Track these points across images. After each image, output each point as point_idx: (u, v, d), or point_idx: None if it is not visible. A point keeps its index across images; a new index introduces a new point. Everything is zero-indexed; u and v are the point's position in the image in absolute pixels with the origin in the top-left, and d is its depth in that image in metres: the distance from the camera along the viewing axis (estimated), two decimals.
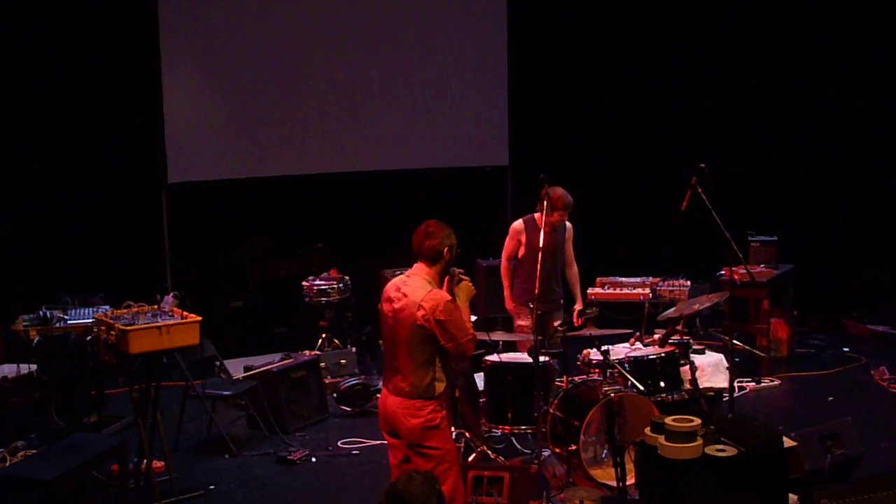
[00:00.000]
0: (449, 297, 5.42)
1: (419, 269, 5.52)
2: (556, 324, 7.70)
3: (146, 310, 6.77)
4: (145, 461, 6.87)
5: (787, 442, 5.82)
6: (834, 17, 11.42)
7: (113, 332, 6.54)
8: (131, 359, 6.67)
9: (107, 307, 7.77)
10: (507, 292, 8.13)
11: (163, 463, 7.10)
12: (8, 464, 7.37)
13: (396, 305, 5.47)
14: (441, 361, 5.45)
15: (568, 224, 8.11)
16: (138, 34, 10.14)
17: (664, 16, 11.68)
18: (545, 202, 7.15)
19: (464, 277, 5.65)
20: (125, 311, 6.78)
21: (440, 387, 5.47)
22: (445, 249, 5.48)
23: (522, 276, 7.94)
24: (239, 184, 10.75)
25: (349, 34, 10.93)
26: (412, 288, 5.45)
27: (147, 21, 10.08)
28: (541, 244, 7.01)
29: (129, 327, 6.47)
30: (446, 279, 5.60)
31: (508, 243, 8.09)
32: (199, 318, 6.74)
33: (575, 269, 8.30)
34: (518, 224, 8.04)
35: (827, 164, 11.62)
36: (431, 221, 5.56)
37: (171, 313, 6.76)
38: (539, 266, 6.90)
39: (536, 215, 7.85)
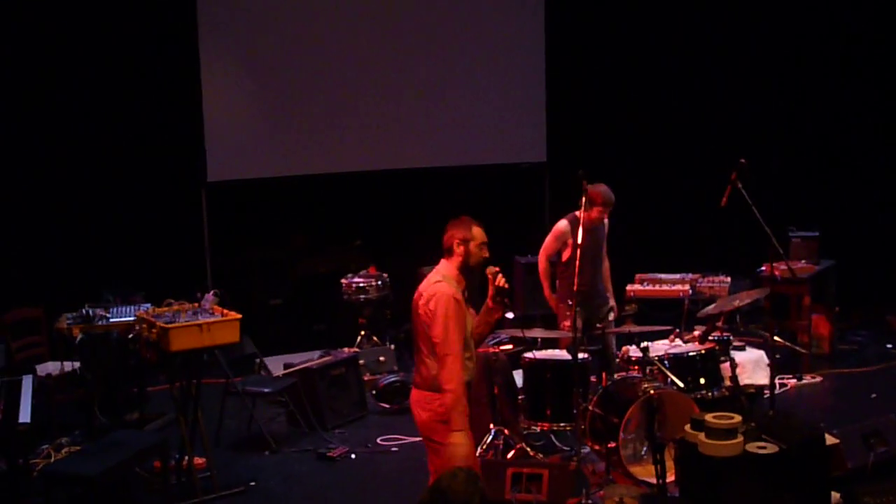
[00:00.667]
0: (451, 292, 5.34)
1: (441, 264, 5.56)
2: (600, 326, 7.68)
3: (187, 308, 6.83)
4: (186, 458, 6.94)
5: (830, 439, 5.78)
6: (876, 6, 11.29)
7: (154, 330, 6.60)
8: (172, 356, 6.73)
9: (148, 305, 7.83)
10: (547, 292, 8.08)
11: (204, 459, 7.16)
12: (53, 460, 7.47)
13: (415, 297, 5.51)
14: None
15: (605, 220, 8.07)
16: (178, 34, 10.22)
17: (703, 9, 11.60)
18: (584, 198, 7.11)
19: (494, 274, 5.54)
20: (166, 308, 6.84)
21: None
22: (455, 243, 5.46)
23: (570, 277, 7.64)
24: (278, 182, 10.79)
25: (385, 31, 10.95)
26: (427, 281, 5.49)
27: (186, 20, 10.15)
28: (579, 241, 6.98)
29: (170, 325, 6.53)
30: (490, 286, 5.52)
31: (551, 243, 7.96)
32: (239, 316, 6.79)
33: (607, 263, 8.23)
34: (563, 225, 7.91)
35: (868, 158, 11.49)
36: (460, 217, 5.58)
37: (211, 311, 6.81)
38: (578, 264, 6.86)
39: (579, 213, 7.79)
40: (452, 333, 5.30)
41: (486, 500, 4.01)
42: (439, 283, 5.40)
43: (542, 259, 8.05)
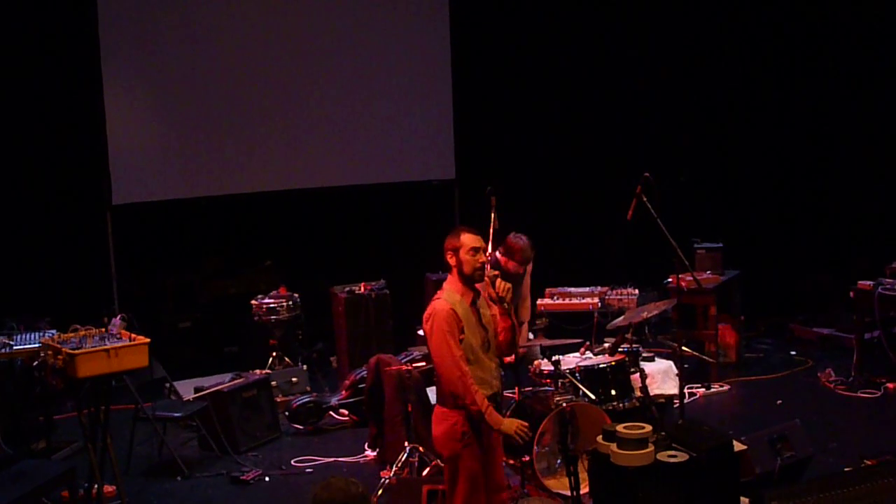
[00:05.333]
0: (443, 307, 5.31)
1: (447, 279, 5.52)
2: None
3: (93, 333, 6.69)
4: (96, 486, 6.79)
5: (738, 446, 5.88)
6: (773, 20, 11.59)
7: (60, 357, 6.45)
8: (79, 383, 6.58)
9: (53, 331, 7.67)
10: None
11: (114, 487, 7.02)
12: None
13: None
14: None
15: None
16: (79, 54, 10.04)
17: (603, 26, 11.81)
18: (493, 214, 7.15)
19: (492, 279, 5.45)
20: (72, 334, 6.69)
21: None
22: (448, 255, 5.40)
23: None
24: (185, 204, 10.67)
25: (292, 52, 10.92)
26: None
27: (87, 41, 9.99)
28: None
29: (76, 351, 6.39)
30: (490, 290, 5.46)
31: None
32: (148, 340, 6.67)
33: (526, 303, 8.18)
34: None
35: (770, 170, 11.79)
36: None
37: (118, 336, 6.69)
38: None
39: (498, 254, 7.86)
40: (443, 346, 5.27)
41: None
42: (436, 301, 5.39)
43: None
